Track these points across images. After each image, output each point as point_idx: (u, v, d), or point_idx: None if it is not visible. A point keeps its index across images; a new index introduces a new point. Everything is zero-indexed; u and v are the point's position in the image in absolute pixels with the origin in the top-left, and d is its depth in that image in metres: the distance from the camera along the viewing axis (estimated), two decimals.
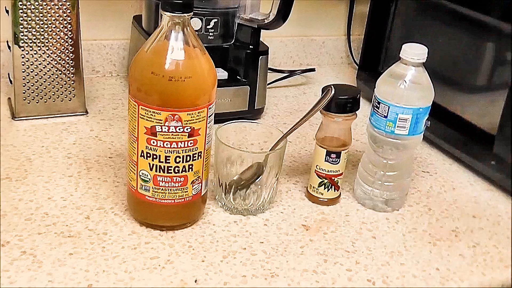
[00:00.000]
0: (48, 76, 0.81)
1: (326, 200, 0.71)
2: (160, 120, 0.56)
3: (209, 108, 0.58)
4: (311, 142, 0.74)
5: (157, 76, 0.55)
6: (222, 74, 0.87)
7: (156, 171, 0.59)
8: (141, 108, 0.56)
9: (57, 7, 0.78)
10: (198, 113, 0.57)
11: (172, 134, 0.57)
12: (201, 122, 0.58)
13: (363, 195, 0.72)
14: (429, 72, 0.68)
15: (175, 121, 0.56)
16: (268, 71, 0.93)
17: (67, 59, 0.81)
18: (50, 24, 0.78)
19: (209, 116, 0.59)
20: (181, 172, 0.59)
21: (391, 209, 0.72)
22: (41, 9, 0.77)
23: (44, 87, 0.81)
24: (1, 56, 0.90)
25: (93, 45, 0.99)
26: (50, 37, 0.79)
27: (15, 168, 0.70)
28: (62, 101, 0.83)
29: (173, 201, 0.60)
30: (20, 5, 0.76)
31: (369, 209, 0.72)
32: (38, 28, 0.78)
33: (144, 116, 0.56)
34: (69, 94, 0.83)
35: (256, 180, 0.66)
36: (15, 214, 0.62)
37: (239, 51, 0.88)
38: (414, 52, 0.67)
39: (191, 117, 0.57)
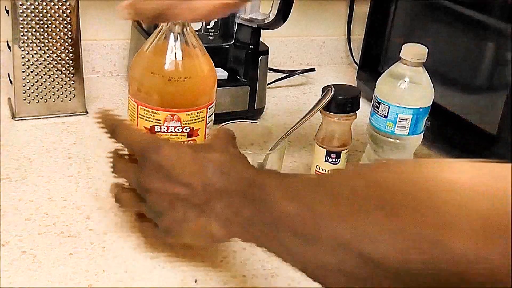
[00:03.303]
0: (48, 76, 0.81)
1: None
2: (159, 120, 0.56)
3: (209, 109, 0.58)
4: (311, 142, 0.74)
5: (156, 76, 0.55)
6: (222, 74, 0.87)
7: None
8: (140, 108, 0.56)
9: (57, 7, 0.78)
10: (198, 113, 0.57)
11: (171, 134, 0.57)
12: (200, 122, 0.58)
13: None
14: (429, 72, 0.68)
15: (174, 121, 0.56)
16: (268, 71, 0.93)
17: (67, 59, 0.81)
18: (50, 24, 0.78)
19: (208, 116, 0.59)
20: None
21: None
22: (41, 9, 0.77)
23: (44, 87, 0.81)
24: (1, 56, 0.90)
25: (93, 45, 0.99)
26: (50, 37, 0.79)
27: (15, 168, 0.70)
28: (62, 101, 0.83)
29: None
30: (20, 5, 0.76)
31: None
32: (38, 28, 0.78)
33: (144, 116, 0.56)
34: (69, 94, 0.83)
35: None
36: (15, 214, 0.62)
37: (239, 51, 0.88)
38: (414, 52, 0.67)
39: (190, 117, 0.57)
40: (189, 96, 0.57)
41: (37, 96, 0.81)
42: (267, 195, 0.44)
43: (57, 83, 0.82)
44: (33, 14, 0.77)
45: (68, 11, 0.79)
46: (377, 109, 0.69)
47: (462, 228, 0.32)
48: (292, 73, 1.09)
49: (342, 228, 0.37)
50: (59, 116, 0.84)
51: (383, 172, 0.39)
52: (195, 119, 0.57)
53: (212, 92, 0.59)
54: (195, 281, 0.55)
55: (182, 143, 0.54)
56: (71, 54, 0.81)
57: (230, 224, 0.48)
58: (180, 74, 0.55)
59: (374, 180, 0.39)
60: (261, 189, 0.45)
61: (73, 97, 0.84)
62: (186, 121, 0.57)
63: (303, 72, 1.11)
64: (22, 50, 0.78)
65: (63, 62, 0.81)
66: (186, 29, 0.56)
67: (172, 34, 0.56)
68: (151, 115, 0.56)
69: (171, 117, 0.56)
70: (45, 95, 0.82)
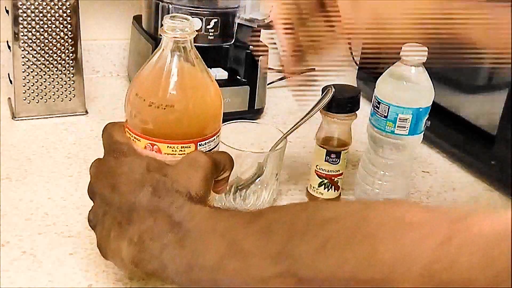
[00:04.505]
0: (48, 76, 0.81)
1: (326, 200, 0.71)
2: (140, 147, 0.51)
3: (200, 145, 0.52)
4: (311, 142, 0.74)
5: (138, 98, 0.50)
6: (222, 74, 0.87)
7: None
8: (127, 130, 0.52)
9: (57, 7, 0.78)
10: (182, 147, 0.51)
11: None
12: None
13: (363, 195, 0.72)
14: (429, 72, 0.68)
15: (154, 151, 0.50)
16: (268, 71, 0.93)
17: (67, 59, 0.81)
18: (50, 24, 0.78)
19: None
20: None
21: None
22: (41, 9, 0.77)
23: (44, 87, 0.81)
24: (1, 56, 0.90)
25: (93, 45, 0.99)
26: (50, 37, 0.79)
27: (15, 168, 0.70)
28: (62, 101, 0.83)
29: None
30: (20, 5, 0.76)
31: None
32: (38, 28, 0.78)
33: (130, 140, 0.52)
34: (69, 94, 0.83)
35: (256, 180, 0.66)
36: (15, 214, 0.62)
37: (239, 51, 0.88)
38: (414, 52, 0.67)
39: (172, 150, 0.50)
40: (171, 127, 0.50)
41: (37, 96, 0.81)
42: (194, 224, 0.42)
43: (57, 83, 0.82)
44: (33, 14, 0.77)
45: (68, 11, 0.79)
46: (377, 109, 0.69)
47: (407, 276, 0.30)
48: None
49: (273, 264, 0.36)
50: (59, 116, 0.84)
51: (326, 208, 0.37)
52: (178, 154, 0.50)
53: (206, 127, 0.52)
54: None
55: (147, 156, 0.49)
56: (71, 54, 0.81)
57: (141, 249, 0.44)
58: (161, 101, 0.49)
59: (316, 214, 0.37)
60: (189, 217, 0.43)
61: (73, 97, 0.84)
62: (167, 154, 0.50)
63: (303, 72, 1.11)
64: (22, 50, 0.78)
65: (63, 62, 0.81)
66: (189, 52, 0.50)
67: (170, 56, 0.50)
68: (133, 140, 0.51)
69: (151, 147, 0.50)
70: (45, 95, 0.82)
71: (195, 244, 0.41)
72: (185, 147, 0.51)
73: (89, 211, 0.49)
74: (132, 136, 0.51)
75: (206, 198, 0.47)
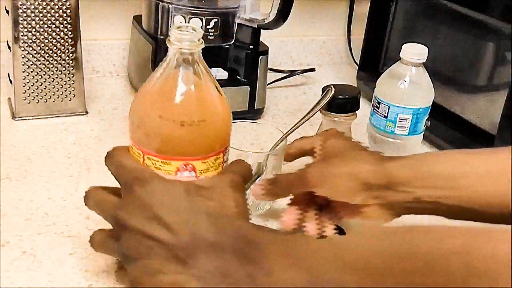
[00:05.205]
0: (48, 76, 0.81)
1: None
2: (171, 171, 0.49)
3: (225, 153, 0.52)
4: None
5: (165, 120, 0.48)
6: (222, 74, 0.87)
7: None
8: (147, 157, 0.49)
9: (57, 7, 0.78)
10: (214, 160, 0.50)
11: None
12: (217, 169, 0.51)
13: None
14: (429, 72, 0.68)
15: (188, 171, 0.49)
16: (268, 71, 0.93)
17: (67, 59, 0.81)
18: (50, 24, 0.78)
19: (225, 162, 0.52)
20: None
21: None
22: (41, 9, 0.77)
23: (44, 87, 0.81)
24: (1, 56, 0.90)
25: (93, 45, 0.99)
26: (50, 37, 0.79)
27: (15, 168, 0.70)
28: (62, 101, 0.83)
29: None
30: (20, 5, 0.76)
31: None
32: (38, 28, 0.78)
33: (152, 167, 0.49)
34: (69, 94, 0.83)
35: (256, 180, 0.66)
36: (15, 214, 0.62)
37: (239, 51, 0.88)
38: (414, 52, 0.67)
39: (206, 165, 0.49)
40: (204, 142, 0.49)
41: (37, 96, 0.81)
42: (266, 258, 0.40)
43: (57, 83, 0.82)
44: (33, 14, 0.77)
45: (68, 11, 0.79)
46: (377, 109, 0.69)
47: None
48: (292, 73, 1.09)
49: None
50: (59, 116, 0.84)
51: (410, 239, 0.35)
52: (211, 167, 0.50)
53: (229, 135, 0.52)
54: None
55: (175, 180, 0.47)
56: (71, 54, 0.81)
57: (212, 285, 0.41)
58: (193, 117, 0.48)
59: (397, 249, 0.35)
60: (259, 250, 0.41)
61: (73, 97, 0.84)
62: (202, 170, 0.49)
63: (303, 72, 1.11)
64: (22, 50, 0.78)
65: (63, 62, 0.81)
66: (198, 63, 0.48)
67: (181, 69, 0.48)
68: (160, 165, 0.48)
69: (185, 167, 0.48)
70: (45, 95, 0.82)
71: (273, 279, 0.39)
72: (216, 158, 0.50)
73: (120, 247, 0.46)
74: (158, 161, 0.49)
75: (248, 214, 0.47)
